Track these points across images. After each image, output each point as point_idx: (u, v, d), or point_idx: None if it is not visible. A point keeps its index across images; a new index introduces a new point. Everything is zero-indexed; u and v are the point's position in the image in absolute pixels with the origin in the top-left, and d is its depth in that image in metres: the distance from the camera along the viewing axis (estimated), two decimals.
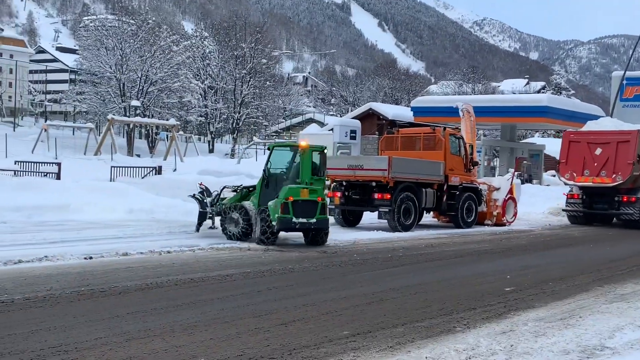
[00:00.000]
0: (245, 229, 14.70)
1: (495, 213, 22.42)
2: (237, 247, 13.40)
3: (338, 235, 16.38)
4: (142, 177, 26.85)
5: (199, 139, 66.96)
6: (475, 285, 10.05)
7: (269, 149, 15.76)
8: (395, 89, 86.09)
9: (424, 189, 19.76)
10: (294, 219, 13.75)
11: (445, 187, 20.52)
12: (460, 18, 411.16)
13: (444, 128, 21.95)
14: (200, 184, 16.82)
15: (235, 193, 15.70)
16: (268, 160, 15.19)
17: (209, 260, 11.66)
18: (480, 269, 12.00)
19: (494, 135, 59.59)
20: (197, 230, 15.53)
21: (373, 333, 6.76)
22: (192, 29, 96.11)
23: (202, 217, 15.59)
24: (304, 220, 13.87)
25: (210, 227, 15.48)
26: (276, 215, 13.73)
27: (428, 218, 23.15)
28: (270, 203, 14.11)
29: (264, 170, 15.05)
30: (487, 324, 7.42)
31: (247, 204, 15.03)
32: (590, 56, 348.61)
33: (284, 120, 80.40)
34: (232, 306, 7.82)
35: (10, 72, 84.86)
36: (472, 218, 21.40)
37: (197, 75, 61.05)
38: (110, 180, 25.14)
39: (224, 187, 16.15)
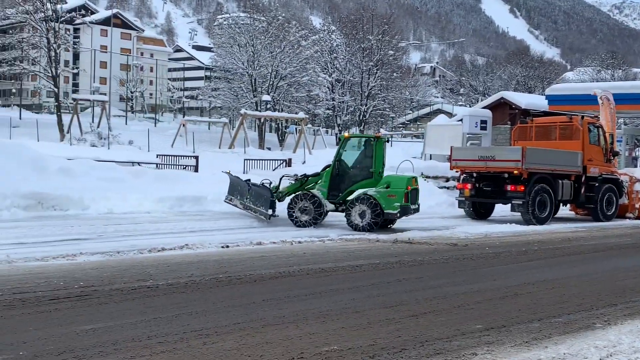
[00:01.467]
0: (316, 217, 15.10)
1: (637, 206, 21.28)
2: (365, 239, 13.48)
3: (469, 227, 16.09)
4: (273, 170, 27.63)
5: (327, 132, 67.85)
6: (616, 281, 9.58)
7: (340, 139, 16.09)
8: (529, 77, 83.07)
9: (560, 181, 19.07)
10: (411, 206, 14.96)
11: (583, 179, 19.68)
12: (597, 1, 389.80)
13: (582, 116, 20.99)
14: (228, 172, 16.98)
15: (294, 182, 15.98)
16: (339, 151, 15.60)
17: (338, 250, 11.80)
18: (621, 264, 11.41)
19: (635, 124, 56.11)
20: (269, 218, 15.19)
21: (507, 327, 6.60)
22: (320, 23, 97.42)
23: (272, 204, 15.29)
24: (414, 206, 15.22)
25: (272, 215, 15.21)
26: (396, 203, 14.61)
27: (565, 211, 22.30)
28: (371, 191, 14.80)
29: (336, 160, 15.47)
30: (630, 320, 7.05)
31: (316, 192, 15.30)
32: None
33: (411, 112, 79.88)
34: (363, 296, 7.89)
35: (151, 70, 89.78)
36: (613, 211, 20.39)
37: (325, 68, 61.86)
38: (244, 173, 26.05)
39: (283, 176, 16.50)
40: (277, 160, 29.10)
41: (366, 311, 7.11)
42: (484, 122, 38.36)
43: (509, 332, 6.42)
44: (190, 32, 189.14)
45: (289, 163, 28.54)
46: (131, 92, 75.81)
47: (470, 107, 70.69)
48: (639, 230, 17.63)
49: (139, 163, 25.03)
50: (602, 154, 20.51)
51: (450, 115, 57.01)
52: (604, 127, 21.20)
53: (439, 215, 20.20)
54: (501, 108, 51.45)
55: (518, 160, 18.02)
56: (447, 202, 22.40)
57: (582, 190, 19.70)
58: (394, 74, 65.16)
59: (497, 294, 8.33)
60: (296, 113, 49.85)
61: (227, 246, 11.53)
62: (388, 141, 15.99)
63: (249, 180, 16.31)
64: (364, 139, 16.02)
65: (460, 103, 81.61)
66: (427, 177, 24.92)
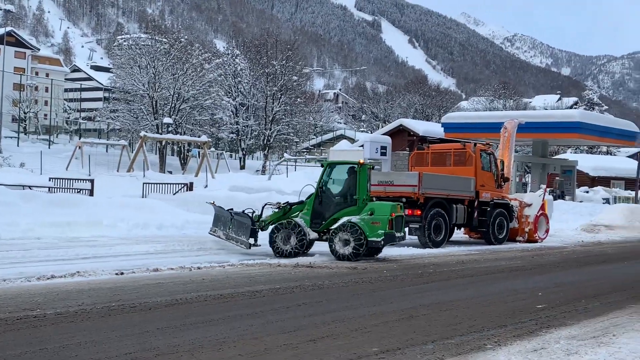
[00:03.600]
0: (298, 246, 14.83)
1: (527, 229, 22.16)
2: (267, 263, 13.41)
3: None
4: (174, 194, 27.12)
5: (231, 156, 67.50)
6: (506, 303, 9.91)
7: (322, 165, 15.89)
8: (426, 105, 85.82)
9: (454, 205, 19.63)
10: (396, 233, 14.74)
11: (476, 203, 20.36)
12: (491, 34, 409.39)
13: (475, 144, 21.84)
14: (212, 203, 16.61)
15: (277, 210, 15.66)
16: (322, 178, 15.38)
17: (238, 276, 11.68)
18: (511, 286, 11.84)
19: (525, 151, 58.99)
20: (250, 247, 15.07)
21: (402, 350, 6.69)
22: (223, 47, 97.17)
23: (254, 233, 15.18)
24: (399, 234, 14.99)
25: (254, 245, 15.13)
26: (380, 231, 14.37)
27: (459, 234, 22.94)
28: (354, 218, 14.55)
29: (319, 188, 15.25)
30: (519, 341, 7.30)
31: (299, 220, 15.10)
32: (624, 71, 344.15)
33: (314, 137, 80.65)
34: (261, 322, 7.81)
35: (46, 90, 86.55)
36: (504, 234, 21.19)
37: (229, 92, 61.66)
38: (142, 197, 25.43)
39: (266, 205, 16.03)
40: (179, 184, 28.58)
41: (264, 337, 7.04)
42: (384, 148, 39.32)
43: (404, 354, 6.52)
44: (89, 52, 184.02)
45: (190, 187, 28.10)
46: (24, 113, 72.70)
47: (371, 133, 72.25)
48: (528, 253, 18.37)
49: (29, 186, 23.95)
50: (493, 179, 21.31)
51: (352, 140, 58.03)
52: (499, 153, 22.06)
53: None
54: (400, 134, 52.89)
55: (415, 185, 18.47)
56: None
57: (475, 214, 20.36)
58: (298, 99, 65.75)
59: (393, 316, 8.45)
60: (199, 136, 49.29)
61: (122, 273, 11.19)
62: (373, 168, 15.70)
63: (232, 209, 15.80)
64: (347, 166, 15.67)
65: (362, 129, 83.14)
66: None
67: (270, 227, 15.40)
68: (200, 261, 13.14)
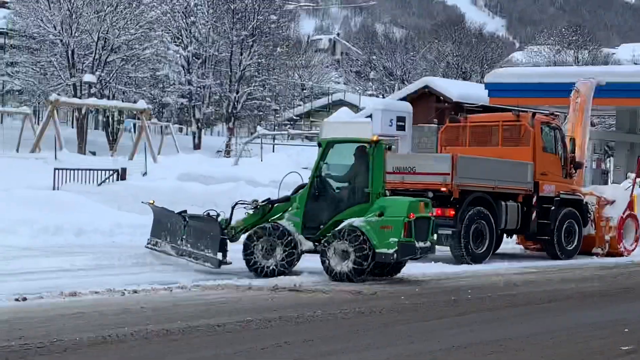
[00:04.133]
0: (287, 261, 14.81)
1: (607, 237, 22.25)
2: (232, 285, 13.42)
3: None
4: (99, 184, 27.08)
5: (180, 130, 67.34)
6: (577, 343, 9.96)
7: (320, 144, 15.74)
8: (463, 58, 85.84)
9: (503, 203, 19.68)
10: (418, 243, 14.55)
11: (534, 200, 20.41)
12: None
13: (533, 114, 21.85)
14: (151, 203, 16.51)
15: (253, 211, 15.55)
16: (319, 163, 15.34)
17: (192, 303, 11.68)
18: (585, 319, 11.90)
19: (606, 125, 59.11)
20: (220, 265, 14.88)
21: None
22: None
23: (223, 244, 15.03)
24: (424, 244, 14.82)
25: (224, 262, 14.96)
26: (393, 239, 14.21)
27: (509, 244, 23.00)
28: (357, 221, 14.48)
29: (315, 177, 15.19)
30: None
31: (286, 224, 15.05)
32: None
33: (301, 103, 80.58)
34: None
35: None
36: (574, 245, 21.28)
37: (178, 38, 61.45)
38: (54, 189, 25.38)
39: (237, 203, 15.87)
40: (105, 170, 28.52)
41: None
42: (401, 119, 39.29)
43: None
44: None
45: (122, 175, 28.06)
46: None
47: (383, 97, 72.24)
48: (610, 272, 18.48)
49: None
50: (560, 165, 21.35)
51: (356, 109, 57.97)
52: (568, 128, 22.13)
53: None
54: (425, 100, 52.81)
55: (447, 174, 18.48)
56: None
57: (533, 216, 20.40)
58: (278, 49, 65.56)
59: None
60: (135, 102, 49.16)
61: (25, 299, 11.17)
62: (390, 149, 15.52)
63: (185, 212, 15.72)
64: (355, 145, 15.59)
65: (369, 92, 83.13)
66: None
67: (244, 235, 15.34)
68: (137, 281, 13.08)
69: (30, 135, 45.35)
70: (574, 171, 21.89)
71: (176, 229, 15.69)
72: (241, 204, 15.86)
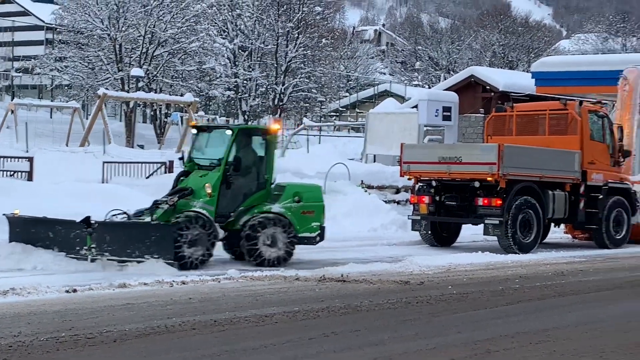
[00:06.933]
0: (209, 248, 14.58)
1: None
2: (280, 276, 13.47)
3: (426, 258, 16.30)
4: (147, 177, 27.27)
5: (227, 122, 67.57)
6: (627, 332, 9.88)
7: (232, 132, 15.37)
8: (509, 47, 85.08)
9: (550, 192, 19.54)
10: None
11: (582, 189, 20.23)
12: None
13: (581, 102, 21.63)
14: (15, 213, 14.93)
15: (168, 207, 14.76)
16: (230, 148, 15.14)
17: (240, 294, 11.76)
18: (635, 309, 11.77)
19: None
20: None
21: None
22: None
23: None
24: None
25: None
26: (314, 223, 15.35)
27: (557, 233, 22.83)
28: (276, 208, 15.04)
29: (228, 165, 15.03)
30: None
31: (204, 211, 14.63)
32: None
33: (347, 95, 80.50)
34: None
35: None
36: (623, 234, 21.05)
37: (224, 31, 61.63)
38: (103, 182, 25.62)
39: (155, 203, 15.11)
40: (153, 163, 28.72)
41: None
42: (447, 109, 38.96)
43: None
44: None
45: (170, 168, 28.22)
46: None
47: (429, 88, 71.84)
48: None
49: None
50: (608, 154, 21.13)
51: (401, 99, 57.80)
52: (616, 116, 21.85)
53: (385, 241, 20.36)
54: (471, 89, 52.44)
55: (493, 164, 18.36)
56: (396, 222, 22.59)
57: (581, 205, 20.22)
58: (323, 40, 65.51)
59: (462, 352, 8.45)
60: (181, 95, 49.44)
61: (75, 290, 11.32)
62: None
63: (89, 218, 14.56)
64: (257, 132, 16.37)
65: (415, 82, 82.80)
66: (369, 186, 25.03)
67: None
68: (184, 272, 13.22)
69: (80, 129, 45.79)
70: (622, 160, 21.68)
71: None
72: (159, 202, 15.01)
